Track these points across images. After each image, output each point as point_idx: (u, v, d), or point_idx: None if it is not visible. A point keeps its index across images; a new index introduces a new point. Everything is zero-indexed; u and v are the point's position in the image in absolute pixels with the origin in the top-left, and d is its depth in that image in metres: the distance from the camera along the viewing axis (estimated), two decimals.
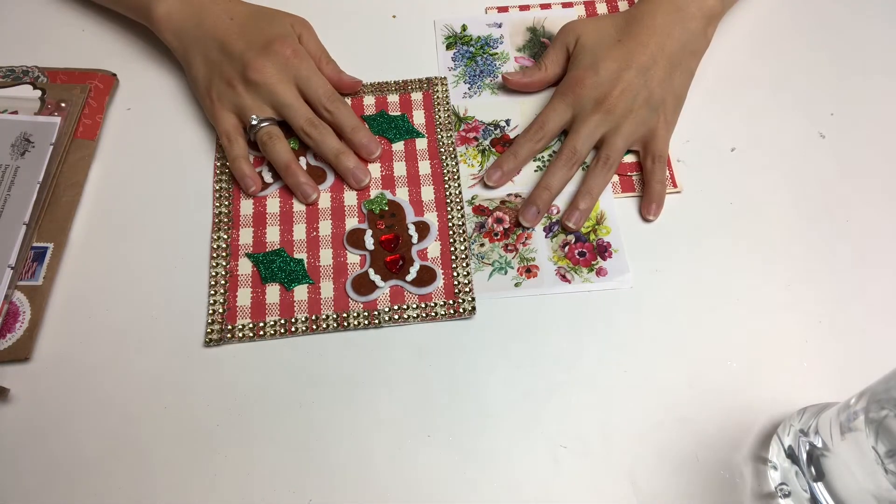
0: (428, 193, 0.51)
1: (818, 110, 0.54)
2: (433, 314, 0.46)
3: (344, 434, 0.42)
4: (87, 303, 0.46)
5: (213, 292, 0.46)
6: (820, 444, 0.36)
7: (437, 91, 0.55)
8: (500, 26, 0.58)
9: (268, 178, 0.51)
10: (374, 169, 0.52)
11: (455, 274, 0.47)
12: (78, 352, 0.45)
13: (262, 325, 0.45)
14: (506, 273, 0.47)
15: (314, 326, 0.45)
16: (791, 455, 0.39)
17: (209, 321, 0.45)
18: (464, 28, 0.58)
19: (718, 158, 0.52)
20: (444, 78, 0.56)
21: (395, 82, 0.56)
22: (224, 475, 0.41)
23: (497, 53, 0.57)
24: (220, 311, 0.46)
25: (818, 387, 0.43)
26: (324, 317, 0.46)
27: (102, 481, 0.41)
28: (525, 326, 0.46)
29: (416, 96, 0.55)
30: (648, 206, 0.49)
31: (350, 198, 0.50)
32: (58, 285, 0.47)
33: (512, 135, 0.53)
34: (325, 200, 0.50)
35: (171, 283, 0.47)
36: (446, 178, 0.51)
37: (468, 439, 0.42)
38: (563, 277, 0.47)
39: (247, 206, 0.50)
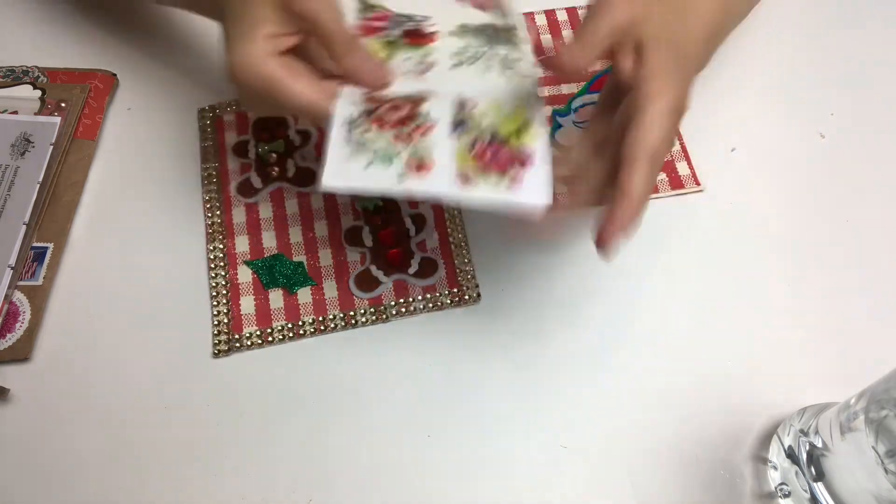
0: None
1: (818, 110, 0.54)
2: (438, 304, 0.46)
3: (344, 434, 0.42)
4: (87, 303, 0.46)
5: (215, 303, 0.46)
6: (820, 444, 0.36)
7: None
8: None
9: (257, 183, 0.50)
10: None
11: (456, 262, 0.47)
12: (78, 352, 0.45)
13: (269, 331, 0.45)
14: (389, 164, 0.38)
15: (322, 327, 0.45)
16: (791, 455, 0.39)
17: (215, 332, 0.45)
18: None
19: (718, 158, 0.52)
20: None
21: None
22: (224, 475, 0.41)
23: None
24: (226, 321, 0.45)
25: (818, 387, 0.43)
26: (331, 317, 0.46)
27: (102, 481, 0.41)
28: (525, 327, 0.46)
29: None
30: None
31: (343, 196, 0.50)
32: (58, 285, 0.47)
33: (429, 30, 0.44)
34: (317, 200, 0.50)
35: (171, 283, 0.47)
36: None
37: (468, 439, 0.42)
38: (465, 179, 0.37)
39: (239, 215, 0.49)
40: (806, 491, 0.37)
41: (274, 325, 0.45)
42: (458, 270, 0.47)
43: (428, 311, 0.46)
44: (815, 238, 0.49)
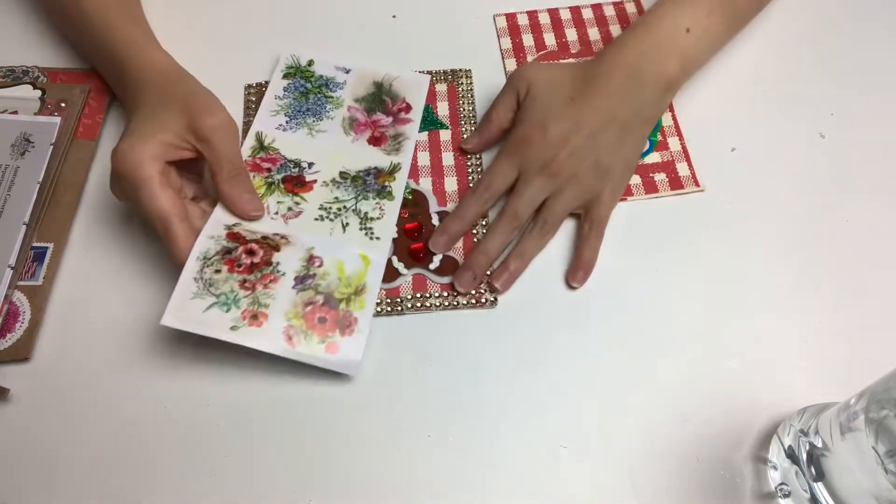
0: (451, 184, 0.51)
1: (818, 110, 0.54)
2: (455, 303, 0.46)
3: (343, 433, 0.42)
4: (87, 303, 0.46)
5: None
6: (820, 444, 0.36)
7: (462, 83, 0.55)
8: (347, 72, 0.55)
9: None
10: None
11: None
12: (78, 352, 0.45)
13: None
14: (227, 311, 0.42)
15: None
16: (791, 455, 0.39)
17: None
18: (310, 63, 0.55)
19: (718, 158, 0.52)
20: (469, 70, 0.56)
21: (420, 73, 0.55)
22: (224, 475, 0.41)
23: (333, 97, 0.53)
24: None
25: (818, 387, 0.43)
26: None
27: (102, 481, 0.41)
28: (524, 326, 0.46)
29: (441, 88, 0.55)
30: (575, 273, 0.47)
31: None
32: (58, 285, 0.47)
33: (309, 178, 0.49)
34: None
35: (170, 284, 0.47)
36: (469, 171, 0.51)
37: (468, 439, 0.42)
38: (290, 338, 0.42)
39: None
40: (806, 491, 0.37)
41: None
42: None
43: (443, 309, 0.46)
44: (814, 238, 0.49)
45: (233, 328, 0.42)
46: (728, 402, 0.43)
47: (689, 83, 0.54)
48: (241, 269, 0.43)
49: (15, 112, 0.52)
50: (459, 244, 0.48)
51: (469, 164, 0.52)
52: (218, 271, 0.43)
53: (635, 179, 0.51)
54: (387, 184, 0.49)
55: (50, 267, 0.47)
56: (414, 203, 0.50)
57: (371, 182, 0.49)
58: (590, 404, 0.43)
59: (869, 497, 0.33)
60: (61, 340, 0.45)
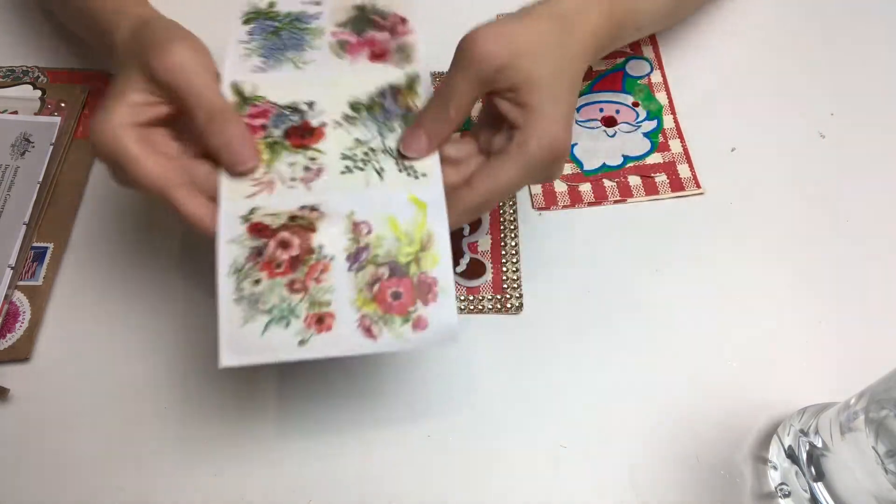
0: None
1: (818, 110, 0.54)
2: (480, 308, 0.46)
3: (344, 433, 0.42)
4: (87, 303, 0.46)
5: None
6: (820, 444, 0.37)
7: None
8: (318, 3, 0.44)
9: None
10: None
11: (504, 269, 0.47)
12: (78, 352, 0.45)
13: None
14: (287, 326, 0.35)
15: None
16: (791, 455, 0.39)
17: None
18: (271, 4, 0.44)
19: (718, 158, 0.52)
20: None
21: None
22: (224, 475, 0.41)
23: (310, 28, 0.43)
24: None
25: (818, 387, 0.43)
26: None
27: (102, 481, 0.41)
28: (523, 327, 0.46)
29: None
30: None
31: None
32: (58, 285, 0.47)
33: (315, 122, 0.39)
34: None
35: (170, 284, 0.47)
36: None
37: (468, 439, 0.42)
38: (368, 331, 0.35)
39: None
40: (806, 491, 0.37)
41: None
42: (504, 277, 0.47)
43: (468, 313, 0.46)
44: (815, 238, 0.49)
45: (301, 343, 0.34)
46: (728, 402, 0.43)
47: (690, 82, 0.54)
48: (281, 270, 0.36)
49: (15, 112, 0.52)
50: (487, 246, 0.48)
51: None
52: (257, 282, 0.35)
53: (636, 180, 0.51)
54: (410, 103, 0.40)
55: (50, 267, 0.47)
56: None
57: (391, 107, 0.40)
58: (589, 404, 0.43)
59: (869, 497, 0.33)
60: (61, 340, 0.45)
